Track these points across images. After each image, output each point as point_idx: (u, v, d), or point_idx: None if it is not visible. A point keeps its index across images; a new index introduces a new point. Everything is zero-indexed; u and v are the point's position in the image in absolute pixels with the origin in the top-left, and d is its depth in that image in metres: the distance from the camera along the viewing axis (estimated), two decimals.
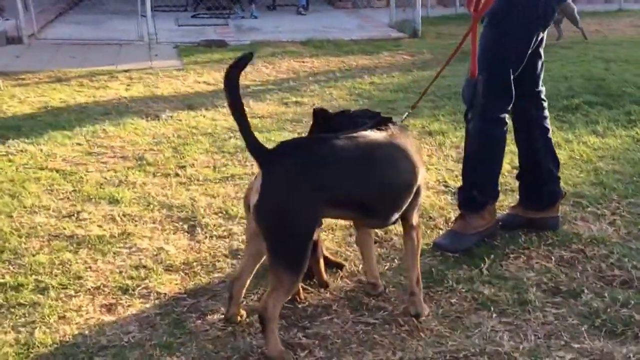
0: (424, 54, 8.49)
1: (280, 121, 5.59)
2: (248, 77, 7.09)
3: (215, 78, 7.10)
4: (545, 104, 3.51)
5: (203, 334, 2.79)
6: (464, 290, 3.06)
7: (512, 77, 3.23)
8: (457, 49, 3.14)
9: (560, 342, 2.69)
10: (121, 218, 3.81)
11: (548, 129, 3.49)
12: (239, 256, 3.37)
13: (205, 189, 4.19)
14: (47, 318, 2.88)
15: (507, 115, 3.35)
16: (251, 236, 2.69)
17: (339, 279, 3.19)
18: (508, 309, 2.91)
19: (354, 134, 2.64)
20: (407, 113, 3.17)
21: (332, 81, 6.97)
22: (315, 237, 3.05)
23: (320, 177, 2.48)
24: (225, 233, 3.63)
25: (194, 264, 3.33)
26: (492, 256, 3.32)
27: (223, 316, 2.87)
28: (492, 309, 2.90)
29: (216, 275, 3.23)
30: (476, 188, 3.38)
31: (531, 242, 3.46)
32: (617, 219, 3.71)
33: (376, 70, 7.51)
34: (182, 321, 2.88)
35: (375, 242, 3.48)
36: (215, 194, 4.11)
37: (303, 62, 7.90)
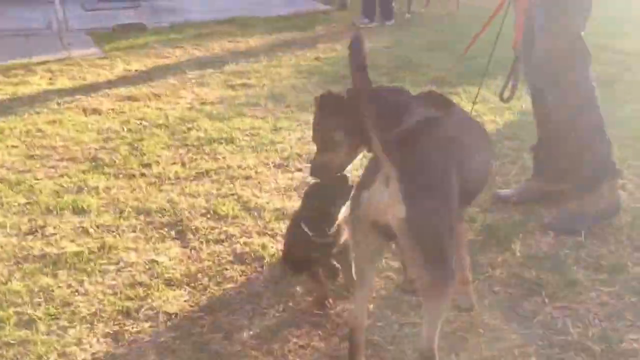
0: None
1: (234, 106, 5.16)
2: (182, 61, 6.59)
3: (146, 65, 6.53)
4: None
5: (236, 357, 2.43)
6: (503, 275, 2.85)
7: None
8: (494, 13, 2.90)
9: (625, 322, 2.52)
10: (94, 230, 3.34)
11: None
12: (247, 261, 3.01)
13: (182, 189, 3.76)
14: (45, 357, 2.43)
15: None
16: (370, 259, 2.19)
17: None
18: (558, 291, 2.72)
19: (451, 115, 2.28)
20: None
21: (274, 60, 6.58)
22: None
23: (460, 168, 2.10)
24: (222, 236, 3.24)
25: (198, 275, 2.93)
26: (519, 235, 3.12)
27: (251, 332, 2.52)
28: (542, 293, 2.70)
29: (229, 286, 2.86)
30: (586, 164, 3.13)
31: (552, 215, 3.29)
32: (627, 182, 3.60)
33: (316, 45, 7.17)
34: (205, 343, 2.52)
35: None
36: (194, 193, 3.69)
37: (237, 42, 7.44)
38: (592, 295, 2.69)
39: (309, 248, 2.63)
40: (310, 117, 4.71)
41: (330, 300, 2.71)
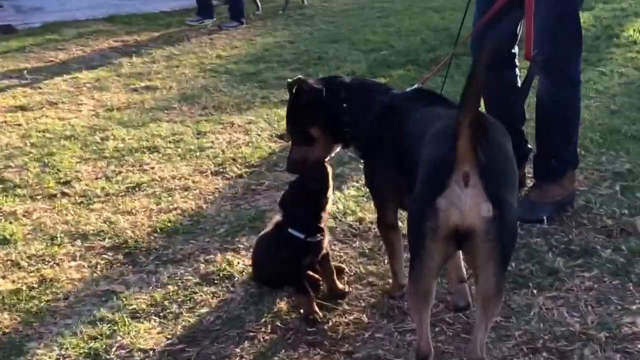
0: (251, 19, 7.99)
1: (145, 111, 4.80)
2: (69, 64, 6.07)
3: (28, 70, 5.95)
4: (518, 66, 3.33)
5: None
6: None
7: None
8: None
9: (616, 306, 2.54)
10: (26, 262, 2.94)
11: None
12: (215, 282, 2.76)
13: (115, 206, 3.40)
14: None
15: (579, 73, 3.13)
16: (438, 273, 2.01)
17: (346, 286, 2.74)
18: (543, 282, 2.70)
19: None
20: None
21: (173, 59, 6.22)
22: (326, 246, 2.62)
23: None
24: (178, 256, 2.96)
25: (165, 302, 2.65)
26: None
27: None
28: (529, 285, 2.68)
29: (203, 311, 2.60)
30: (553, 155, 3.14)
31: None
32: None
33: (214, 42, 6.87)
34: None
35: (355, 236, 3.09)
36: (132, 210, 3.36)
37: (123, 40, 6.97)
38: (576, 282, 2.70)
39: (300, 254, 2.52)
40: (234, 119, 4.53)
41: (320, 314, 2.53)
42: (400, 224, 2.61)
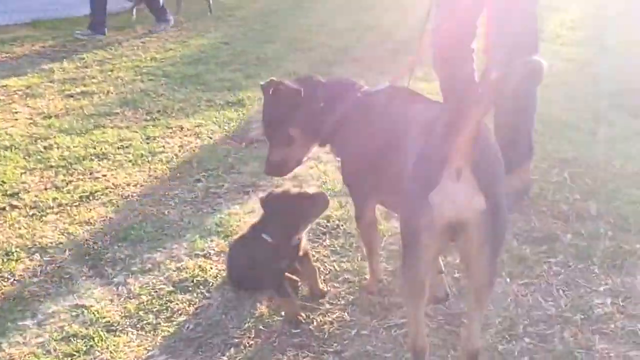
0: (181, 21, 7.83)
1: (86, 117, 4.63)
2: None
3: None
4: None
5: None
6: (455, 261, 2.84)
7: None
8: None
9: (585, 289, 2.65)
10: None
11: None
12: (190, 289, 2.70)
13: (70, 217, 3.26)
14: None
15: None
16: (432, 267, 2.11)
17: (324, 285, 2.73)
18: (513, 269, 2.78)
19: None
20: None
21: (107, 63, 6.02)
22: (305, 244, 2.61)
23: None
24: (147, 265, 2.87)
25: (141, 313, 2.56)
26: None
27: None
28: (502, 273, 2.74)
29: (181, 319, 2.53)
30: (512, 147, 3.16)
31: None
32: None
33: (146, 45, 6.70)
34: None
35: (325, 234, 3.09)
36: (90, 220, 3.23)
37: (50, 46, 6.68)
38: (544, 268, 2.79)
39: (276, 257, 2.51)
40: (182, 123, 4.44)
41: (303, 315, 2.52)
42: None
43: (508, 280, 2.72)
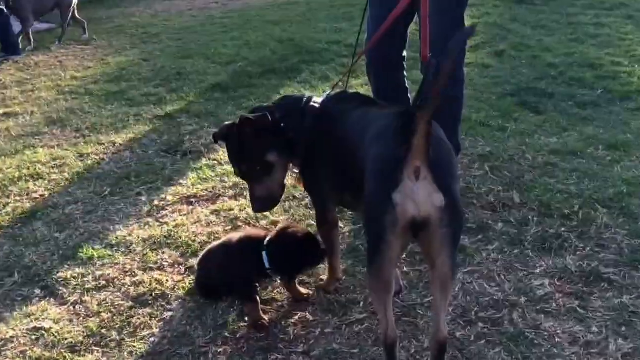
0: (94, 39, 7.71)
1: (13, 138, 4.52)
2: None
3: None
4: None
5: None
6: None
7: None
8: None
9: (523, 273, 2.81)
10: None
11: (408, 89, 3.56)
12: (149, 302, 2.72)
13: (13, 239, 3.22)
14: None
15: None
16: (397, 262, 2.17)
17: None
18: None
19: None
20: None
21: (26, 83, 5.87)
22: None
23: None
24: (101, 282, 2.86)
25: (103, 331, 2.57)
26: None
27: None
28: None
29: (145, 334, 2.55)
30: None
31: None
32: None
33: (64, 63, 6.55)
34: None
35: None
36: (33, 241, 3.18)
37: None
38: (483, 255, 2.97)
39: (255, 268, 2.57)
40: (114, 139, 4.40)
41: (267, 319, 2.59)
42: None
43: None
